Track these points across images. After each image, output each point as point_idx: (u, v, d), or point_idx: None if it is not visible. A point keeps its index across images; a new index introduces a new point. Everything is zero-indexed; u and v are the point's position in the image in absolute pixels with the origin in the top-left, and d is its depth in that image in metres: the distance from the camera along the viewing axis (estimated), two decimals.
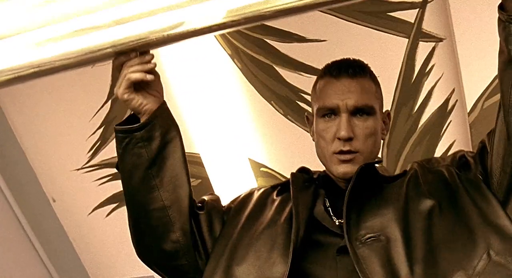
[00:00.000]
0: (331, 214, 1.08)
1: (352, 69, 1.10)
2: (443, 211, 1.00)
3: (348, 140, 1.06)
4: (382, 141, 1.16)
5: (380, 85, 1.15)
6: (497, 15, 0.88)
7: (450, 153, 1.59)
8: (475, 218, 0.97)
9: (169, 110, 1.10)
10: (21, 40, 1.01)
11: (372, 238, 0.98)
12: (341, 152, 1.07)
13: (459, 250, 0.93)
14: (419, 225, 0.98)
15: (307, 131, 1.21)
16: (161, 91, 1.09)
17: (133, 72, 1.03)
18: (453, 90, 1.69)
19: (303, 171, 1.19)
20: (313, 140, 1.15)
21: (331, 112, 1.09)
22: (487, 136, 1.04)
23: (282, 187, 1.18)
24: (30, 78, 1.07)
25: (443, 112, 1.76)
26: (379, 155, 1.38)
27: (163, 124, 1.07)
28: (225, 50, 1.78)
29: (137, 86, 1.05)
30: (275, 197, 1.16)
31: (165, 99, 1.10)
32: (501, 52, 0.92)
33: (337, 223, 1.06)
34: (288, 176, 1.16)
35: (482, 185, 1.02)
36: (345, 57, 1.15)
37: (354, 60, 1.14)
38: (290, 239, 1.00)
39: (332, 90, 1.09)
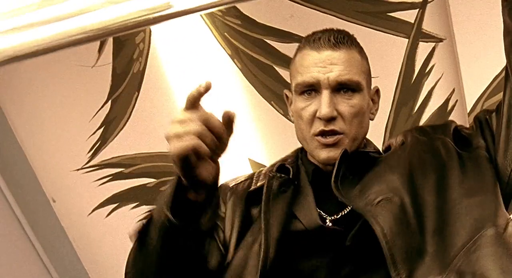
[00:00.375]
0: (323, 214, 0.94)
1: (334, 39, 0.96)
2: (449, 177, 0.91)
3: (331, 119, 0.93)
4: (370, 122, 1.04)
5: (367, 59, 1.03)
6: (496, 15, 0.88)
7: None
8: (476, 190, 0.89)
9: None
10: (15, 20, 1.01)
11: (384, 200, 0.87)
12: (323, 133, 0.95)
13: (471, 215, 0.85)
14: (428, 189, 0.89)
15: None
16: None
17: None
18: (453, 90, 1.69)
19: (281, 168, 1.02)
20: (293, 121, 1.03)
21: (310, 88, 0.96)
22: (487, 113, 0.97)
23: (257, 192, 0.99)
24: (27, 58, 1.06)
25: (443, 112, 1.76)
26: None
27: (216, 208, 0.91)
28: (225, 50, 1.78)
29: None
30: (252, 207, 0.99)
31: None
32: (507, 33, 0.86)
33: (329, 223, 0.92)
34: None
35: (483, 162, 0.93)
36: (328, 28, 1.02)
37: (337, 29, 1.01)
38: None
39: (312, 63, 0.96)
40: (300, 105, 0.98)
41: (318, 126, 0.95)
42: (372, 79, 1.05)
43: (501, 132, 0.91)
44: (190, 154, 0.80)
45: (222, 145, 0.83)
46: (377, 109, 1.05)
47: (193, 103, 0.86)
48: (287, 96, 1.06)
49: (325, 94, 0.94)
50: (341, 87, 0.95)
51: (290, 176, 0.99)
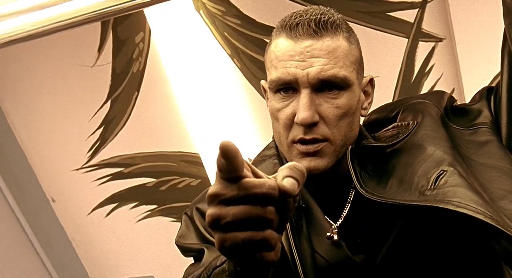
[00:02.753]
0: (329, 220, 0.83)
1: (316, 25, 0.77)
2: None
3: (312, 125, 0.78)
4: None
5: (358, 43, 0.84)
6: (496, 14, 0.87)
7: None
8: None
9: None
10: (16, 4, 1.01)
11: (440, 176, 0.74)
12: (303, 141, 0.79)
13: None
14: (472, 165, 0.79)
15: None
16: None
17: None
18: (453, 90, 1.69)
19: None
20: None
21: (287, 87, 0.80)
22: (484, 90, 0.91)
23: None
24: (25, 40, 1.06)
25: None
26: None
27: None
28: (224, 50, 1.78)
29: None
30: None
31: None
32: (507, 13, 0.79)
33: (335, 236, 0.80)
34: None
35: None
36: (309, 6, 0.84)
37: (320, 11, 0.81)
38: None
39: (288, 56, 0.78)
40: (276, 105, 0.82)
41: (297, 133, 0.79)
42: None
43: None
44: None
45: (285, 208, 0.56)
46: (370, 103, 0.89)
47: (232, 172, 0.52)
48: (264, 89, 0.90)
49: (304, 94, 0.77)
50: (324, 85, 0.78)
51: (301, 202, 0.85)
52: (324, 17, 0.79)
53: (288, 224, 0.81)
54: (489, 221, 0.68)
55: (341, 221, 0.84)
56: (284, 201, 0.53)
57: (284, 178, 0.53)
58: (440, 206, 0.71)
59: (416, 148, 0.81)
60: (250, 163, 0.58)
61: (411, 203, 0.74)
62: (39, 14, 1.02)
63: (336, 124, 0.79)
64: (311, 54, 0.77)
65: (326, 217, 0.84)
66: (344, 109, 0.79)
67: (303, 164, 0.78)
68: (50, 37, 1.42)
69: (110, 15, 0.97)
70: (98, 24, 1.81)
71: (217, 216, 0.52)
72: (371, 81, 0.89)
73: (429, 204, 0.72)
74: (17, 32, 1.10)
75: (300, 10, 0.82)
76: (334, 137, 0.80)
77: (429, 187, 0.75)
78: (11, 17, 1.03)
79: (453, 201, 0.71)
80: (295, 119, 0.79)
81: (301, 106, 0.77)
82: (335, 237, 0.82)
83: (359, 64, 0.83)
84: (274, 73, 0.80)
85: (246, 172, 0.53)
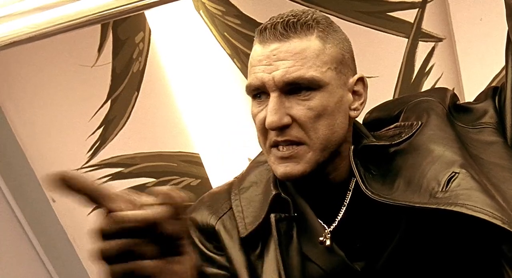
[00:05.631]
0: (323, 224, 0.82)
1: (282, 27, 0.76)
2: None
3: (282, 128, 0.76)
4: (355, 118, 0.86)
5: (341, 42, 0.81)
6: (496, 14, 0.87)
7: None
8: None
9: None
10: (19, 6, 1.02)
11: (452, 178, 0.72)
12: (277, 144, 0.78)
13: None
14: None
15: None
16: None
17: None
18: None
19: (277, 199, 0.82)
20: None
21: (259, 92, 0.79)
22: (490, 90, 0.89)
23: (255, 234, 0.82)
24: (25, 42, 1.07)
25: None
26: None
27: None
28: (224, 50, 1.78)
29: None
30: (250, 251, 0.83)
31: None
32: (511, 14, 0.78)
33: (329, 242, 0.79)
34: None
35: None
36: (290, 10, 0.81)
37: (294, 13, 0.79)
38: None
39: (257, 61, 0.78)
40: (253, 111, 0.81)
41: (272, 136, 0.78)
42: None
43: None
44: None
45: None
46: (363, 103, 0.84)
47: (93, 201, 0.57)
48: None
49: (272, 98, 0.76)
50: (292, 87, 0.76)
51: (292, 212, 0.82)
52: (294, 19, 0.78)
53: (275, 240, 0.79)
54: (506, 227, 0.67)
55: (335, 225, 0.82)
56: (155, 229, 0.53)
57: (149, 206, 0.54)
58: (454, 209, 0.69)
59: (424, 148, 0.79)
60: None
61: (422, 205, 0.72)
62: (39, 16, 1.02)
63: (311, 126, 0.77)
64: (277, 57, 0.76)
65: (320, 221, 0.82)
66: (317, 110, 0.77)
67: (280, 170, 0.78)
68: (50, 37, 1.43)
69: (110, 18, 0.98)
70: (98, 24, 1.81)
71: (99, 250, 0.55)
72: (362, 81, 0.84)
73: (442, 207, 0.70)
74: (18, 34, 1.11)
75: (277, 15, 0.81)
76: (311, 141, 0.77)
77: (440, 189, 0.72)
78: (11, 19, 1.04)
79: (467, 204, 0.69)
80: (265, 124, 0.77)
81: (269, 111, 0.76)
82: (327, 242, 0.80)
83: (339, 63, 0.80)
84: (248, 80, 0.80)
85: (125, 203, 0.54)
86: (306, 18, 0.79)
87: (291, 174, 0.77)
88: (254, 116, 0.81)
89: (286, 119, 0.76)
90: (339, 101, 0.79)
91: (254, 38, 0.82)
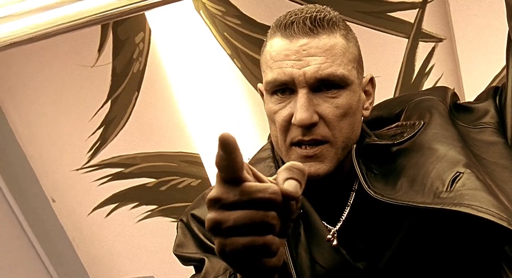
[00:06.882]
0: (327, 225, 0.80)
1: (311, 23, 0.75)
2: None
3: (310, 126, 0.75)
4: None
5: (356, 41, 0.81)
6: (496, 14, 0.87)
7: None
8: None
9: None
10: (19, 6, 1.02)
11: (457, 178, 0.71)
12: (301, 143, 0.76)
13: None
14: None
15: None
16: None
17: None
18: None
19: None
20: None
21: (284, 88, 0.77)
22: (491, 90, 0.88)
23: None
24: (26, 43, 1.07)
25: None
26: None
27: None
28: (225, 50, 1.78)
29: None
30: None
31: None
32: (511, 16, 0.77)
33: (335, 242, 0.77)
34: None
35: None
36: (305, 5, 0.80)
37: (316, 9, 0.78)
38: None
39: (283, 56, 0.75)
40: (272, 107, 0.79)
41: (296, 134, 0.76)
42: None
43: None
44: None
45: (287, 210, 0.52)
46: (372, 103, 0.85)
47: (231, 171, 0.50)
48: (261, 92, 0.87)
49: (302, 94, 0.74)
50: (322, 84, 0.75)
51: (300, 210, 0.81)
52: (320, 15, 0.76)
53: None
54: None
55: (341, 224, 0.81)
56: (287, 204, 0.51)
57: (285, 180, 0.51)
58: (460, 210, 0.68)
59: (427, 147, 0.78)
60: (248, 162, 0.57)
61: (426, 205, 0.70)
62: (40, 17, 1.02)
63: (337, 125, 0.76)
64: (307, 53, 0.74)
65: (324, 222, 0.81)
66: (344, 108, 0.76)
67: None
68: (51, 38, 1.43)
69: (111, 18, 0.98)
70: (98, 25, 1.81)
71: (218, 221, 0.50)
72: (371, 81, 0.85)
73: (447, 208, 0.69)
74: (18, 34, 1.11)
75: (296, 9, 0.79)
76: (335, 139, 0.76)
77: (445, 189, 0.71)
78: (12, 20, 1.04)
79: (473, 205, 0.68)
80: (293, 121, 0.75)
81: (299, 107, 0.74)
82: (335, 241, 0.79)
83: (358, 63, 0.80)
84: (269, 74, 0.77)
85: (247, 174, 0.51)
86: (330, 15, 0.78)
87: (316, 174, 0.76)
88: (273, 113, 0.79)
89: (316, 117, 0.75)
90: (359, 100, 0.80)
91: (271, 33, 0.80)
